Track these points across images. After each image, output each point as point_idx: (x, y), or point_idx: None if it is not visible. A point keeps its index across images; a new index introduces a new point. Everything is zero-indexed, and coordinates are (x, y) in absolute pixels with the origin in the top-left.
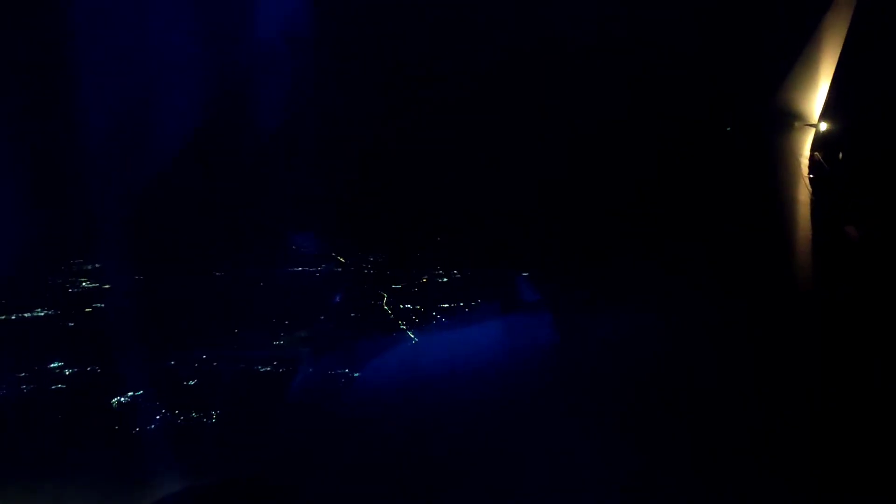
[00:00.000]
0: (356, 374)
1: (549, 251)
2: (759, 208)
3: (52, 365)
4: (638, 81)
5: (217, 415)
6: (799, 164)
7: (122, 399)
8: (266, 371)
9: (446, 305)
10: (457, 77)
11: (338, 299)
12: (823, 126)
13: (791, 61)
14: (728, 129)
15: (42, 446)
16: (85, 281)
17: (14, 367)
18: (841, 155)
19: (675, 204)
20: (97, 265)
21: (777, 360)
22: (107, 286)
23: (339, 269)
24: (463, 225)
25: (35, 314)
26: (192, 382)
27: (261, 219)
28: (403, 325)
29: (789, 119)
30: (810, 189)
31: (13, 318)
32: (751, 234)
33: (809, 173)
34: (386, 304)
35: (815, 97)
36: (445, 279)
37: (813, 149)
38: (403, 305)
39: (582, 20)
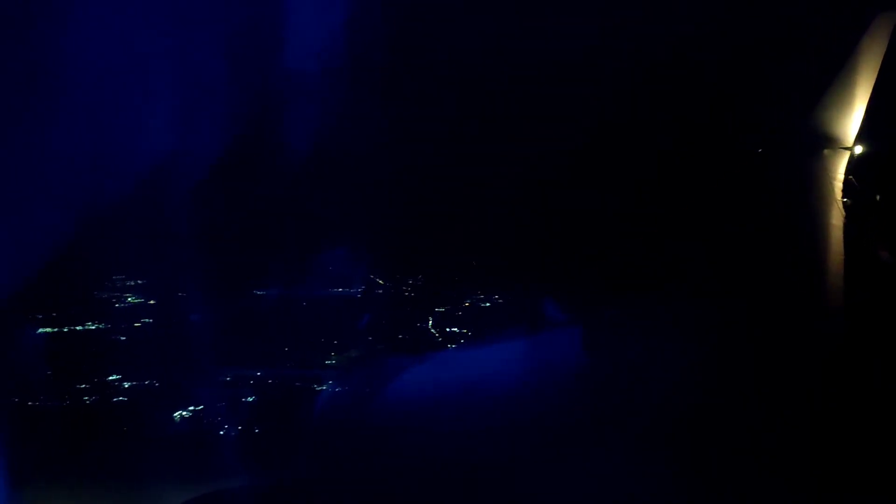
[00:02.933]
0: (393, 391)
1: (590, 275)
2: (792, 232)
3: (110, 378)
4: (670, 104)
5: (278, 431)
6: (833, 187)
7: (184, 413)
8: (322, 389)
9: (492, 329)
10: (497, 101)
11: (383, 321)
12: (858, 149)
13: (826, 84)
14: (760, 150)
15: (109, 457)
16: (130, 296)
17: (74, 380)
18: (876, 179)
19: (708, 228)
20: (140, 281)
21: (815, 388)
22: (152, 302)
23: (380, 292)
24: (503, 248)
25: (86, 327)
26: (250, 399)
27: (298, 240)
28: (451, 346)
29: (824, 142)
30: (844, 213)
31: (65, 330)
32: (784, 257)
33: (843, 197)
34: (432, 327)
35: (851, 120)
36: (488, 303)
37: (847, 172)
38: (450, 329)
39: (613, 41)
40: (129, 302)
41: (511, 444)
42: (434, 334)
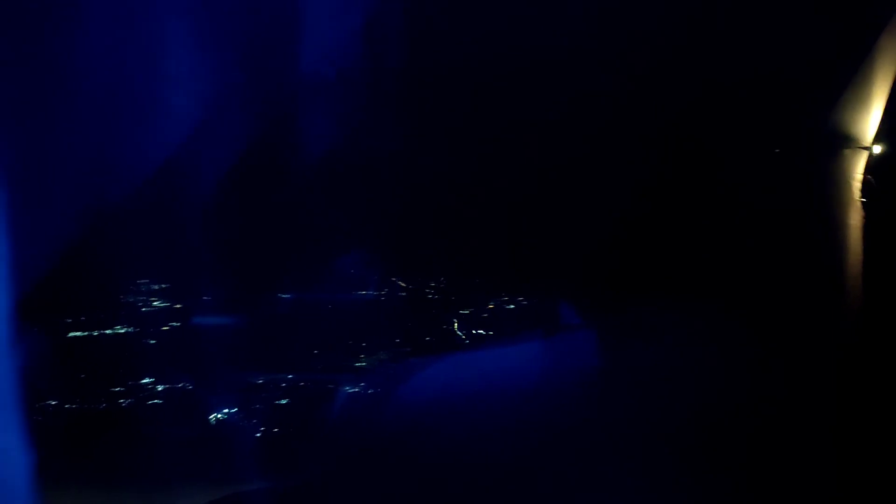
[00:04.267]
0: (410, 392)
1: (606, 277)
2: (811, 232)
3: (143, 381)
4: (688, 105)
5: (315, 433)
6: (852, 187)
7: (220, 415)
8: (355, 391)
9: (516, 331)
10: (516, 104)
11: (409, 323)
12: (877, 149)
13: (844, 83)
14: (777, 150)
15: (148, 459)
16: (156, 300)
17: (109, 382)
18: (895, 178)
19: (725, 230)
20: (164, 285)
21: (835, 390)
22: (178, 306)
23: (403, 294)
24: (522, 250)
25: (115, 331)
26: (283, 402)
27: (319, 243)
28: (470, 348)
29: (842, 141)
30: (863, 213)
31: (95, 334)
32: (803, 257)
33: (862, 197)
34: (458, 330)
35: (869, 119)
36: (512, 305)
37: (866, 171)
38: (476, 331)
39: (631, 40)
40: (156, 306)
41: (527, 447)
42: (461, 336)
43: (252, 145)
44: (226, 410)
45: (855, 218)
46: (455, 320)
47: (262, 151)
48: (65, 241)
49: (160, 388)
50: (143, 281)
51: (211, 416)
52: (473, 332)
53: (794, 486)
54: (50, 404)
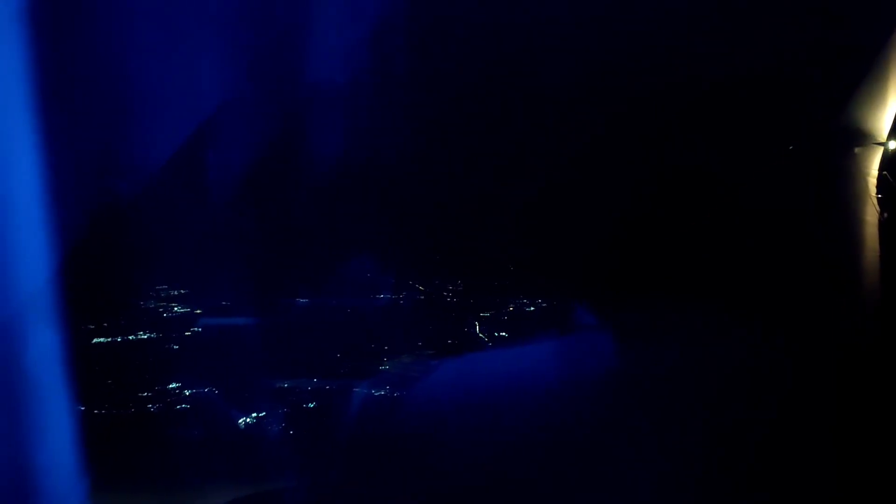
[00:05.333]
0: (426, 393)
1: (622, 278)
2: (826, 230)
3: (170, 386)
4: (702, 103)
5: (337, 435)
6: (867, 183)
7: (248, 420)
8: (381, 395)
9: (538, 333)
10: (532, 106)
11: (430, 326)
12: (893, 144)
13: (859, 78)
14: (791, 147)
15: (179, 461)
16: (176, 306)
17: (136, 388)
18: None
19: (741, 229)
20: (183, 291)
21: (852, 390)
22: (198, 311)
23: (422, 297)
24: (542, 253)
25: (139, 337)
26: (311, 405)
27: (336, 248)
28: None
29: (857, 137)
30: (878, 209)
31: (119, 340)
32: (818, 255)
33: (877, 193)
34: (480, 332)
35: (884, 115)
36: (532, 308)
37: (881, 168)
38: (497, 333)
39: (644, 38)
40: (176, 311)
41: (543, 447)
42: (483, 339)
43: (269, 151)
44: (254, 414)
45: (870, 214)
46: (476, 323)
47: (279, 157)
48: (83, 247)
49: (187, 392)
50: (161, 287)
51: (240, 420)
52: (495, 334)
53: (815, 486)
54: (80, 410)
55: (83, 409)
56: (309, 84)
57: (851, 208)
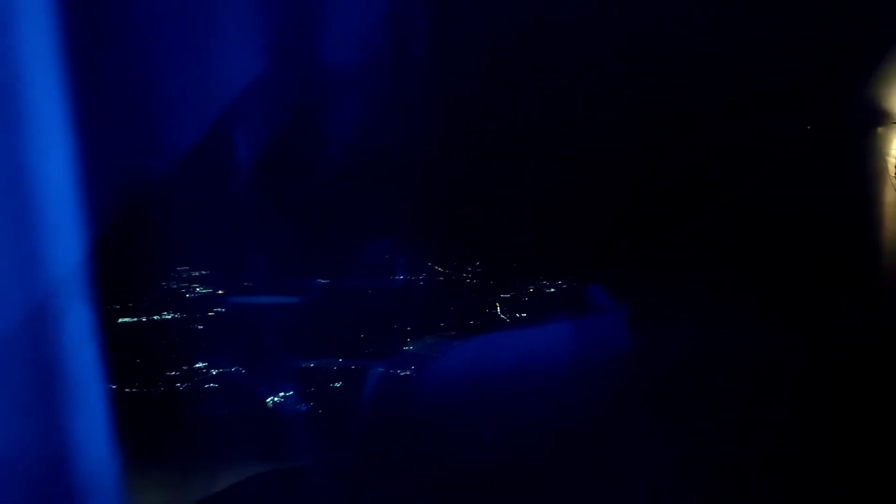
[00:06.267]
0: (440, 373)
1: (645, 258)
2: (844, 210)
3: (197, 365)
4: (717, 79)
5: (366, 416)
6: (885, 164)
7: (276, 399)
8: (406, 375)
9: (561, 314)
10: (548, 84)
11: (452, 308)
12: None
13: (878, 56)
14: (809, 127)
15: (208, 442)
16: (199, 286)
17: (164, 368)
18: None
19: (757, 207)
20: (204, 272)
21: (868, 371)
22: (220, 291)
23: (442, 279)
24: (561, 234)
25: (163, 317)
26: (337, 385)
27: (354, 229)
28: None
29: (876, 117)
30: None
31: (144, 320)
32: (834, 236)
33: None
34: (501, 313)
35: None
36: (552, 289)
37: None
38: (519, 314)
39: (658, 14)
40: (199, 292)
41: (559, 427)
42: (505, 319)
43: (291, 133)
44: (281, 394)
45: (890, 195)
46: (497, 304)
47: (300, 139)
48: (109, 228)
49: (214, 372)
50: (183, 268)
51: (268, 400)
52: (517, 315)
53: (851, 480)
54: (111, 390)
55: (113, 387)
56: (328, 66)
57: (871, 189)
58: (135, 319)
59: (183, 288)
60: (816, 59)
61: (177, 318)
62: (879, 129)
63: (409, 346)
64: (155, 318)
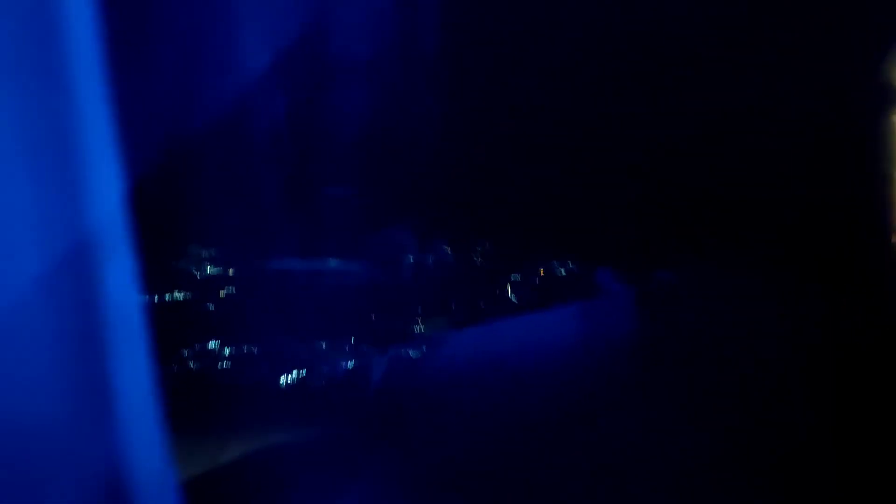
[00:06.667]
0: (448, 356)
1: (655, 239)
2: (862, 190)
3: (209, 345)
4: (737, 50)
5: (374, 396)
6: None
7: (289, 378)
8: (417, 355)
9: (572, 296)
10: (568, 66)
11: (462, 289)
12: None
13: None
14: (824, 99)
15: (222, 419)
16: (209, 266)
17: (177, 346)
18: None
19: (772, 186)
20: (213, 252)
21: (879, 358)
22: (230, 271)
23: (451, 261)
24: (570, 216)
25: (174, 297)
26: (349, 364)
27: (360, 210)
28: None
29: (890, 95)
30: None
31: (156, 300)
32: (857, 213)
33: None
34: (511, 295)
35: None
36: (563, 270)
37: None
38: (529, 296)
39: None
40: (209, 272)
41: (561, 411)
42: (515, 302)
43: (301, 113)
44: (295, 373)
45: None
46: (508, 285)
47: (310, 120)
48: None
49: (227, 351)
50: (191, 246)
51: (281, 379)
52: (527, 297)
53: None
54: None
55: None
56: (340, 44)
57: (885, 169)
58: (146, 298)
59: (192, 267)
60: (836, 31)
61: (187, 297)
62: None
63: (420, 328)
64: (166, 297)
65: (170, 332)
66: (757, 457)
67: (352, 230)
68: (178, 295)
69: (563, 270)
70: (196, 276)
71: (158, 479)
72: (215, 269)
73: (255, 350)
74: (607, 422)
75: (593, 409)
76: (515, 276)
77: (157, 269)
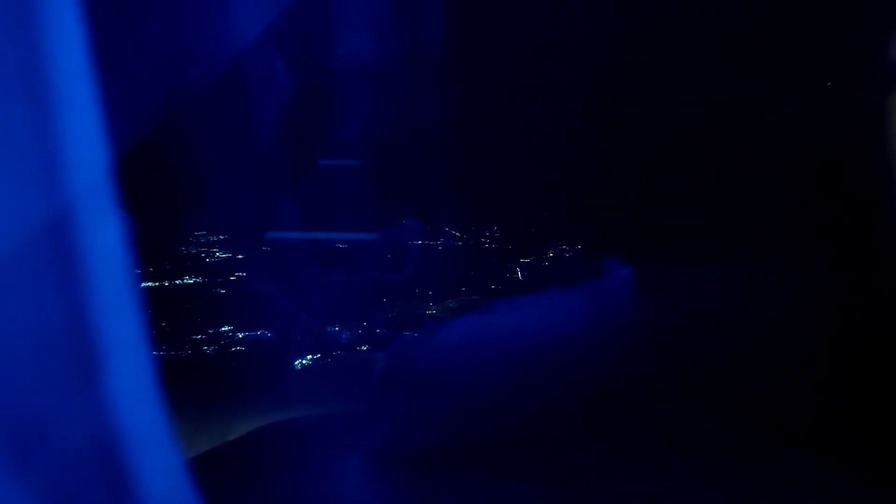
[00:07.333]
0: (453, 338)
1: (657, 224)
2: (864, 170)
3: (222, 329)
4: (734, 38)
5: (385, 378)
6: None
7: (304, 361)
8: (430, 338)
9: (581, 278)
10: (574, 60)
11: (472, 272)
12: None
13: None
14: (829, 84)
15: (236, 402)
16: (218, 251)
17: (189, 331)
18: None
19: (773, 167)
20: (222, 237)
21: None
22: (240, 256)
23: (460, 244)
24: (578, 199)
25: (185, 282)
26: (364, 348)
27: (371, 195)
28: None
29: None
30: None
31: (167, 284)
32: (857, 197)
33: None
34: (522, 278)
35: None
36: (570, 253)
37: None
38: (540, 279)
39: None
40: (219, 257)
41: (564, 394)
42: (526, 284)
43: (307, 99)
44: (309, 357)
45: None
46: (518, 268)
47: (317, 105)
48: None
49: (240, 335)
50: (201, 233)
51: (296, 363)
52: (538, 279)
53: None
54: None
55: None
56: (347, 35)
57: (889, 155)
58: (157, 284)
59: (202, 252)
60: (837, 14)
61: (198, 282)
62: None
63: (432, 311)
64: (177, 282)
65: (178, 316)
66: (754, 434)
67: (363, 217)
68: (189, 280)
69: (571, 253)
70: (205, 261)
71: (162, 462)
72: (224, 254)
73: (266, 334)
74: (612, 400)
75: (599, 387)
76: (525, 260)
77: (164, 255)
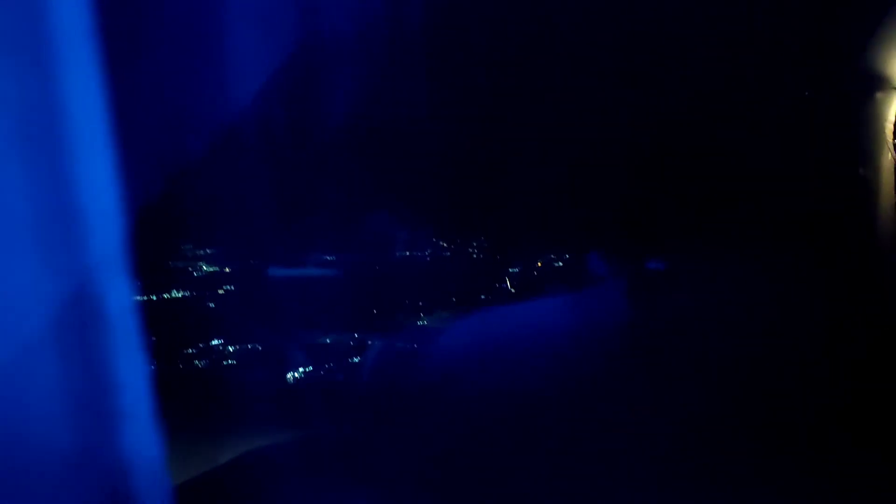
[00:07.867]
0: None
1: (647, 227)
2: (840, 175)
3: (213, 342)
4: (714, 44)
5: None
6: (883, 129)
7: (296, 374)
8: (420, 348)
9: (570, 288)
10: (562, 57)
11: (461, 283)
12: None
13: (877, 20)
14: (807, 93)
15: (231, 417)
16: (204, 264)
17: (181, 344)
18: None
19: (758, 174)
20: (209, 251)
21: (876, 347)
22: (227, 269)
23: (448, 254)
24: (564, 207)
25: (173, 295)
26: (355, 360)
27: (356, 206)
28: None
29: (874, 82)
30: (895, 155)
31: (154, 298)
32: (831, 201)
33: (894, 139)
34: (511, 287)
35: None
36: (560, 263)
37: None
38: (529, 288)
39: None
40: (205, 270)
41: (554, 400)
42: (515, 293)
43: (287, 105)
44: (301, 369)
45: (888, 161)
46: (507, 278)
47: (296, 110)
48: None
49: (231, 349)
50: (187, 246)
51: (287, 375)
52: (526, 289)
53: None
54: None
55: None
56: (328, 37)
57: (868, 155)
58: (145, 297)
59: (189, 266)
60: (814, 23)
61: (186, 296)
62: (878, 94)
63: (422, 321)
64: (164, 296)
65: (170, 330)
66: (746, 436)
67: (349, 227)
68: (178, 294)
69: (559, 262)
70: (194, 274)
71: (154, 478)
72: (211, 267)
73: (255, 347)
74: (601, 405)
75: (588, 392)
76: (513, 269)
77: (154, 269)
